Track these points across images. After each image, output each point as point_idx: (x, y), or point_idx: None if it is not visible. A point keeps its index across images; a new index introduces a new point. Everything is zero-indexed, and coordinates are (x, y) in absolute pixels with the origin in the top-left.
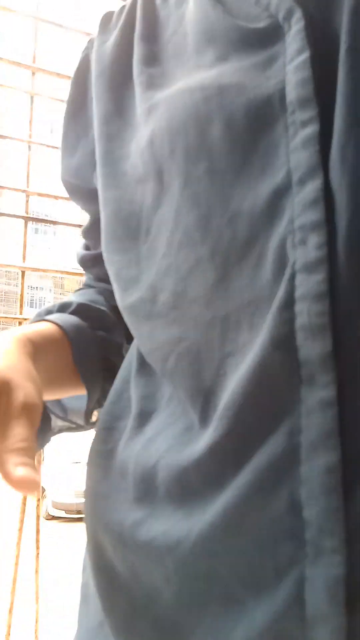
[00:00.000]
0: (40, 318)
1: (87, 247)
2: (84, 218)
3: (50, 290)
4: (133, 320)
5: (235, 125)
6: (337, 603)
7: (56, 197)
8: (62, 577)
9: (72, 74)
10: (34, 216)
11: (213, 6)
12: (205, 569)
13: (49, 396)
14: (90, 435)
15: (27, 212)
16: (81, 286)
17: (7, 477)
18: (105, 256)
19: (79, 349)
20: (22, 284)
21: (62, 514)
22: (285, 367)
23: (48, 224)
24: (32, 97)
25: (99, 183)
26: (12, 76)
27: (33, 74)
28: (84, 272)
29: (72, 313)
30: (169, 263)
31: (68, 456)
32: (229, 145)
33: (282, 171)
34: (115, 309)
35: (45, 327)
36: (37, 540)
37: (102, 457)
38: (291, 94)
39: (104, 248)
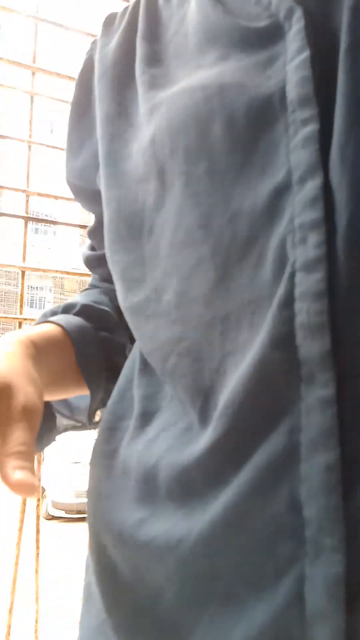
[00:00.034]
0: (44, 319)
1: (92, 248)
2: (84, 218)
3: (50, 290)
4: (136, 320)
5: (235, 125)
6: (337, 602)
7: (56, 197)
8: (62, 577)
9: (72, 74)
10: (34, 216)
11: (214, 6)
12: (206, 568)
13: (52, 397)
14: (90, 435)
15: (27, 212)
16: (87, 286)
17: (6, 481)
18: (108, 256)
19: (82, 350)
20: (22, 284)
21: (62, 514)
22: (285, 366)
23: (48, 224)
24: (32, 97)
25: (102, 183)
26: (12, 76)
27: (33, 74)
28: (90, 272)
29: (76, 314)
30: (172, 263)
31: (68, 456)
32: (229, 144)
33: (283, 170)
34: (119, 309)
35: (49, 329)
36: (37, 540)
37: (105, 457)
38: (291, 93)
39: (107, 248)
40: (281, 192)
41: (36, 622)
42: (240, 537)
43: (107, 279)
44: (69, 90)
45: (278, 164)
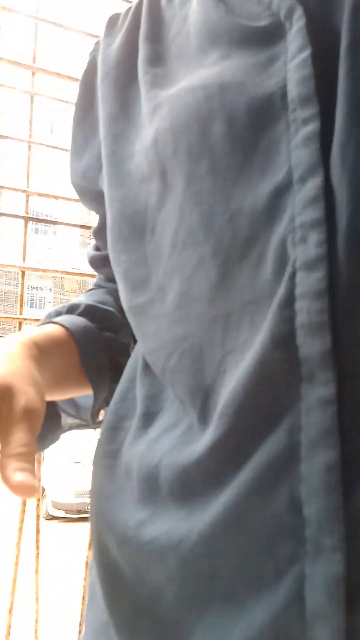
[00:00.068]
0: (48, 320)
1: (97, 248)
2: (84, 218)
3: (50, 290)
4: (139, 320)
5: (236, 124)
6: (337, 601)
7: (56, 197)
8: (62, 577)
9: (72, 74)
10: (34, 216)
11: (215, 6)
12: (207, 568)
13: (57, 397)
14: (90, 435)
15: (27, 212)
16: (92, 286)
17: (7, 482)
18: (111, 256)
19: (86, 350)
20: (22, 284)
21: (62, 514)
22: (285, 365)
23: (48, 224)
24: (32, 97)
25: (105, 183)
26: (12, 76)
27: (33, 74)
28: (91, 272)
29: (80, 314)
30: (173, 263)
31: (68, 456)
32: (230, 143)
33: (283, 169)
34: (122, 308)
35: (53, 330)
36: (37, 540)
37: (108, 457)
38: (292, 92)
39: (110, 248)
40: (282, 191)
41: (36, 622)
42: (240, 537)
43: (112, 279)
44: (69, 90)
45: (279, 163)
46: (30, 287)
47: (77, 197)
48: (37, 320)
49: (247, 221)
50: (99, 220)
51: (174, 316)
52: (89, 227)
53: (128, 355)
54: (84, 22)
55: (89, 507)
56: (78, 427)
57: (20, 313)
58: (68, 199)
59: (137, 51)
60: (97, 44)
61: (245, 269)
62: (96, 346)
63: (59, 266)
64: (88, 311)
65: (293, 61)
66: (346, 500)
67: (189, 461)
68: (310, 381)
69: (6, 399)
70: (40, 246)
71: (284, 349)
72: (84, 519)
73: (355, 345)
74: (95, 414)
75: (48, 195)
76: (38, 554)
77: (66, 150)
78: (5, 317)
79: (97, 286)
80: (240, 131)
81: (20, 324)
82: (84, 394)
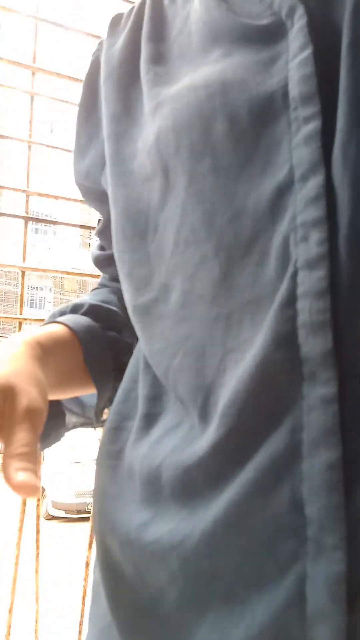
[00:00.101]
0: (52, 319)
1: (101, 248)
2: (84, 218)
3: (50, 290)
4: (144, 320)
5: (238, 122)
6: (338, 600)
7: (56, 197)
8: (62, 577)
9: (72, 74)
10: (34, 216)
11: (217, 5)
12: (208, 567)
13: (60, 396)
14: (90, 435)
15: (27, 212)
16: (97, 285)
17: (9, 482)
18: (116, 255)
19: (89, 349)
20: (22, 284)
21: (62, 514)
22: (287, 365)
23: (48, 224)
24: (32, 97)
25: (109, 183)
26: (12, 76)
27: (33, 74)
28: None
29: (84, 314)
30: (176, 261)
31: (68, 456)
32: (232, 142)
33: (285, 168)
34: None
35: (56, 329)
36: (37, 540)
37: (111, 458)
38: (294, 90)
39: (114, 247)
40: (283, 190)
41: (36, 622)
42: (241, 537)
43: (116, 278)
44: (69, 90)
45: (280, 162)
46: (30, 287)
47: (77, 197)
48: (37, 320)
49: (250, 220)
50: (103, 220)
51: (177, 316)
52: (89, 227)
53: (132, 355)
54: (84, 22)
55: (89, 507)
56: (82, 425)
57: (20, 313)
58: (68, 199)
59: (140, 51)
60: (100, 44)
61: (247, 267)
62: (100, 345)
63: (59, 266)
64: (92, 310)
65: (294, 60)
66: (347, 499)
67: (191, 461)
68: (312, 380)
69: (9, 399)
70: (40, 246)
71: (286, 349)
72: (84, 519)
73: (356, 344)
74: (99, 413)
75: (48, 195)
76: (38, 554)
77: (66, 150)
78: (5, 317)
79: (102, 285)
80: (242, 129)
81: (20, 324)
82: (88, 393)
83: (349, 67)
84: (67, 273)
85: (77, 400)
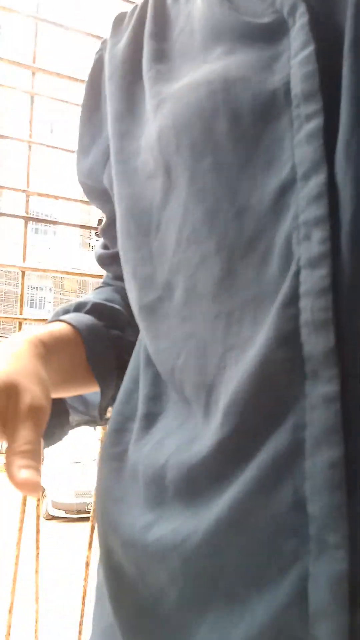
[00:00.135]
0: (56, 318)
1: (105, 246)
2: (84, 218)
3: (50, 290)
4: (150, 319)
5: (240, 120)
6: (340, 599)
7: (56, 197)
8: (62, 577)
9: (72, 74)
10: (34, 216)
11: (219, 3)
12: (210, 567)
13: (63, 394)
14: (90, 435)
15: (27, 212)
16: (100, 284)
17: (12, 479)
18: (121, 255)
19: (92, 348)
20: (22, 284)
21: (62, 514)
22: (289, 363)
23: (48, 224)
24: (32, 97)
25: (114, 182)
26: (12, 76)
27: (33, 74)
28: (98, 271)
29: (88, 312)
30: (179, 259)
31: (68, 456)
32: (234, 140)
33: (287, 166)
34: (130, 307)
35: (59, 328)
36: (37, 540)
37: (114, 460)
38: (296, 88)
39: (120, 247)
40: (286, 188)
41: (36, 622)
42: (244, 535)
43: (120, 277)
44: (69, 90)
45: (283, 160)
46: (30, 287)
47: (77, 197)
48: (37, 320)
49: (252, 218)
50: (106, 218)
51: (181, 314)
52: (89, 227)
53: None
54: (84, 22)
55: (89, 507)
56: (86, 423)
57: (20, 313)
58: (68, 199)
59: (142, 49)
60: (103, 42)
61: (250, 266)
62: (103, 344)
63: (59, 266)
64: (95, 309)
65: (296, 57)
66: (350, 498)
67: (195, 460)
68: (314, 379)
69: (12, 397)
70: (40, 246)
71: (288, 347)
72: (84, 519)
73: (359, 342)
74: (102, 411)
75: (48, 195)
76: (38, 554)
77: (66, 150)
78: (5, 317)
79: (105, 284)
80: (244, 127)
81: (20, 324)
82: (91, 391)
83: (351, 64)
84: (67, 273)
85: (80, 399)
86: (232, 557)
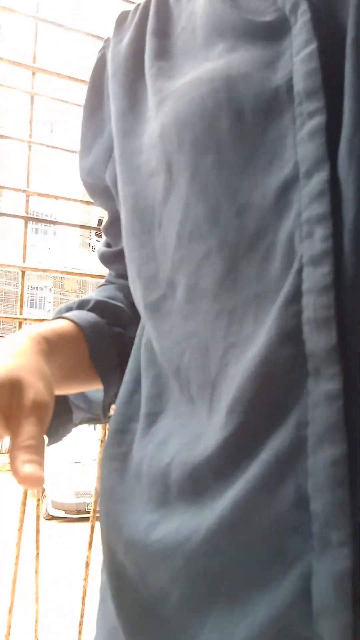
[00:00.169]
0: (58, 315)
1: (107, 245)
2: (84, 218)
3: (50, 290)
4: (155, 317)
5: (243, 118)
6: (344, 597)
7: (56, 197)
8: (62, 577)
9: (72, 74)
10: (34, 216)
11: (221, 1)
12: (213, 565)
13: (67, 391)
14: (90, 435)
15: (27, 212)
16: (103, 282)
17: (16, 474)
18: (126, 254)
19: (95, 345)
20: (22, 284)
21: (62, 514)
22: (292, 361)
23: (48, 224)
24: (32, 97)
25: (119, 180)
26: (12, 76)
27: (33, 74)
28: (100, 271)
29: (90, 310)
30: (180, 257)
31: (68, 456)
32: (236, 137)
33: (290, 163)
34: (133, 305)
35: (62, 325)
36: (37, 540)
37: (117, 460)
38: (298, 85)
39: (125, 246)
40: (289, 186)
41: (36, 622)
42: (247, 532)
43: (123, 275)
44: (69, 90)
45: (285, 157)
46: (30, 287)
47: (77, 197)
48: (37, 320)
49: (255, 216)
50: (108, 217)
51: (183, 312)
52: (89, 227)
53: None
54: (84, 22)
55: (89, 507)
56: (89, 421)
57: (20, 313)
58: (68, 199)
59: (145, 47)
60: (106, 41)
61: (252, 263)
62: (106, 341)
63: (59, 266)
64: (98, 306)
65: (299, 55)
66: (353, 495)
67: (200, 458)
68: (317, 376)
69: (16, 393)
70: (40, 246)
71: (291, 345)
72: (84, 519)
73: None
74: (106, 409)
75: (48, 195)
76: (38, 554)
77: (66, 150)
78: (5, 317)
79: (108, 282)
80: (246, 125)
81: (20, 324)
82: (94, 388)
83: (354, 62)
84: (67, 273)
85: (83, 397)
86: (234, 556)
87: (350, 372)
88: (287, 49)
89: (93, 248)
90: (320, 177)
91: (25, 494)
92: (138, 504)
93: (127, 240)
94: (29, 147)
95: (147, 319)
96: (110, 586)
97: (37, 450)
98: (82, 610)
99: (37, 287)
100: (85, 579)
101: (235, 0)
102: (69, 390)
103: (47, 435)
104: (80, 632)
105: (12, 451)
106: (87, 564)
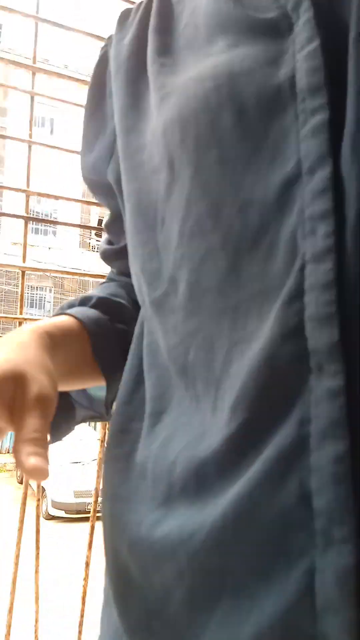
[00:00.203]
0: (61, 312)
1: (109, 242)
2: (84, 218)
3: (50, 290)
4: (159, 314)
5: (245, 114)
6: (348, 593)
7: (56, 197)
8: (62, 577)
9: (72, 74)
10: (34, 216)
11: None
12: (216, 563)
13: (69, 387)
14: (90, 435)
15: (27, 212)
16: (105, 279)
17: (21, 466)
18: (130, 250)
19: (98, 341)
20: (22, 284)
21: (62, 514)
22: (294, 358)
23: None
24: (32, 97)
25: (122, 178)
26: (12, 76)
27: (33, 74)
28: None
29: (93, 306)
30: (182, 253)
31: (68, 456)
32: (239, 133)
33: (293, 160)
34: (136, 302)
35: (65, 320)
36: (37, 540)
37: (119, 460)
38: (301, 82)
39: (129, 244)
40: (291, 183)
41: (36, 622)
42: (251, 529)
43: (124, 272)
44: (69, 90)
45: (288, 154)
46: (30, 287)
47: (77, 197)
48: (37, 320)
49: (258, 212)
50: (110, 214)
51: (186, 309)
52: (89, 227)
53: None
54: (84, 22)
55: (88, 507)
56: (92, 419)
57: (20, 313)
58: (68, 199)
59: (147, 44)
60: (109, 38)
61: (255, 260)
62: (108, 338)
63: (59, 266)
64: (100, 303)
65: (301, 52)
66: (356, 492)
67: (205, 456)
68: (319, 373)
69: (19, 386)
70: (40, 246)
71: (293, 342)
72: (84, 519)
73: None
74: (109, 406)
75: (48, 195)
76: (38, 554)
77: (66, 150)
78: (5, 317)
79: (110, 280)
80: (250, 121)
81: (20, 324)
82: (97, 385)
83: (357, 59)
84: (67, 273)
85: (84, 394)
86: (238, 553)
87: (352, 369)
88: (289, 46)
89: (93, 248)
90: (323, 174)
91: (25, 494)
92: (142, 502)
93: (131, 237)
94: (29, 147)
95: (153, 315)
96: (113, 587)
97: (42, 443)
98: (82, 610)
99: (37, 287)
100: (85, 579)
101: None
102: (72, 386)
103: (50, 433)
104: (80, 632)
105: (16, 444)
106: (87, 564)
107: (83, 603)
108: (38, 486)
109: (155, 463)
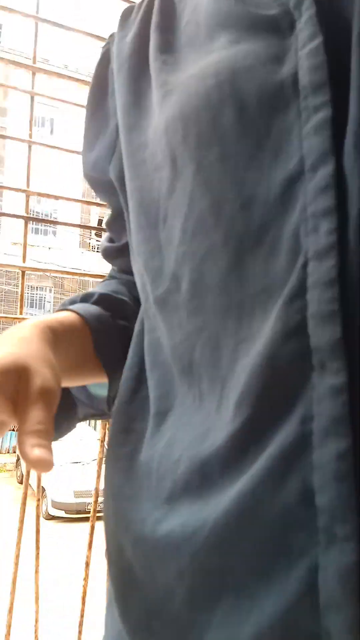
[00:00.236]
0: (62, 308)
1: (111, 240)
2: (84, 218)
3: (50, 290)
4: (163, 312)
5: (248, 111)
6: (351, 591)
7: (56, 197)
8: (62, 577)
9: (72, 74)
10: (34, 216)
11: None
12: (219, 560)
13: (71, 383)
14: (90, 435)
15: (27, 212)
16: (106, 277)
17: (25, 458)
18: (134, 248)
19: (100, 337)
20: (22, 284)
21: (62, 514)
22: (297, 355)
23: (48, 224)
24: (32, 97)
25: (126, 176)
26: (13, 76)
27: (33, 74)
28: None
29: (95, 303)
30: (184, 250)
31: (68, 456)
32: (241, 131)
33: (295, 157)
34: (137, 299)
35: (67, 316)
36: (37, 540)
37: (123, 460)
38: (304, 79)
39: (132, 241)
40: (294, 180)
41: (36, 622)
42: (253, 527)
43: (126, 270)
44: (69, 90)
45: (291, 151)
46: (30, 287)
47: (77, 197)
48: None
49: (260, 210)
50: (112, 212)
51: (189, 306)
52: (89, 227)
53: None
54: (84, 22)
55: (88, 507)
56: (93, 417)
57: (20, 313)
58: (68, 199)
59: (149, 41)
60: (111, 36)
61: (258, 257)
62: (110, 334)
63: (59, 266)
64: (102, 300)
65: (304, 49)
66: (359, 490)
67: (208, 452)
68: (321, 371)
69: (23, 379)
70: (40, 246)
71: (295, 339)
72: (84, 519)
73: None
74: (111, 402)
75: (48, 195)
76: (38, 554)
77: (66, 150)
78: (5, 317)
79: (111, 277)
80: (252, 118)
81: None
82: (98, 381)
83: (359, 57)
84: (67, 273)
85: (85, 392)
86: (240, 550)
87: (354, 366)
88: (292, 43)
89: (93, 248)
90: (326, 171)
91: (25, 494)
92: (146, 501)
93: (135, 236)
94: (29, 147)
95: (156, 312)
96: (115, 587)
97: (46, 435)
98: (82, 610)
99: (37, 287)
100: (85, 579)
101: None
102: (73, 382)
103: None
104: (80, 632)
105: (20, 436)
106: (87, 564)
107: (83, 603)
108: (38, 486)
109: (160, 462)
